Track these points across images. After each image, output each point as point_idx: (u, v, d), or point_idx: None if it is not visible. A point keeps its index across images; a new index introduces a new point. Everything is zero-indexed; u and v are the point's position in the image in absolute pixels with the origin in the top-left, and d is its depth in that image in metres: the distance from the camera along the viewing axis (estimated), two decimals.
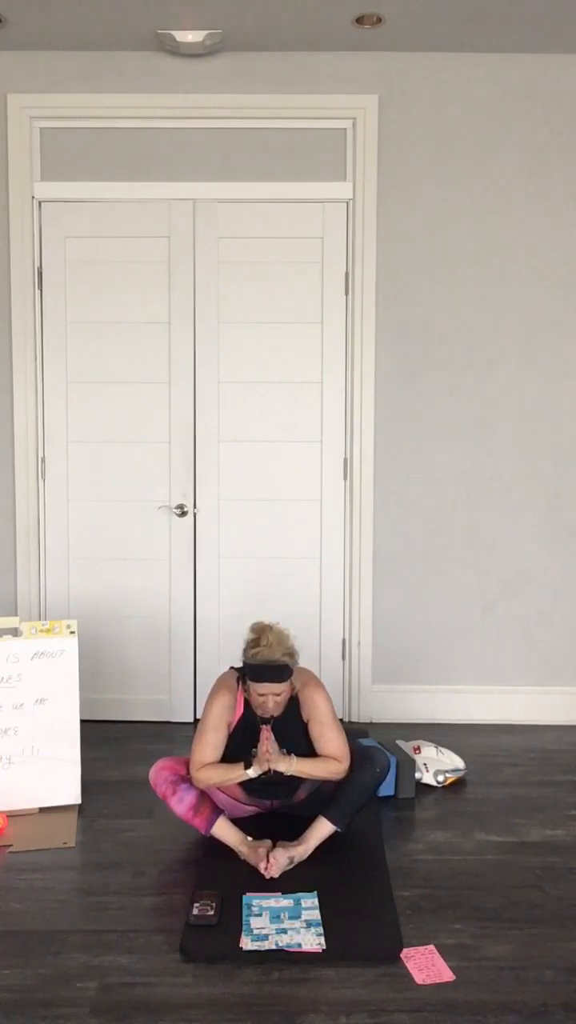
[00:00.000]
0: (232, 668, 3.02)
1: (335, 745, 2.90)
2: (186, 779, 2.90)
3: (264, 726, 2.83)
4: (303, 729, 2.94)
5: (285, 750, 2.88)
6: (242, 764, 2.83)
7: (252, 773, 2.81)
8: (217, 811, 2.87)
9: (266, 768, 2.79)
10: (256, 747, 2.85)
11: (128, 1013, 2.18)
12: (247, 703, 2.94)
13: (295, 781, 2.96)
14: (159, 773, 2.92)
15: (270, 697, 2.83)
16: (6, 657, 3.24)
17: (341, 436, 4.15)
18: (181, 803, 2.86)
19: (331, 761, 2.89)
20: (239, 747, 2.91)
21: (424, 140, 4.02)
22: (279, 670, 2.79)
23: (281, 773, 2.84)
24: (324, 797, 2.98)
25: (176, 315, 4.10)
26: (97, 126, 4.03)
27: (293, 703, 2.95)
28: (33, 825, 3.16)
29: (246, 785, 2.96)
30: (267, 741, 2.79)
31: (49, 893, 2.72)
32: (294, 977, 2.31)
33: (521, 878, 2.82)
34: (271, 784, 2.94)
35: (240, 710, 2.94)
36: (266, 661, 2.79)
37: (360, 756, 2.94)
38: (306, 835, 2.85)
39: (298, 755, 2.89)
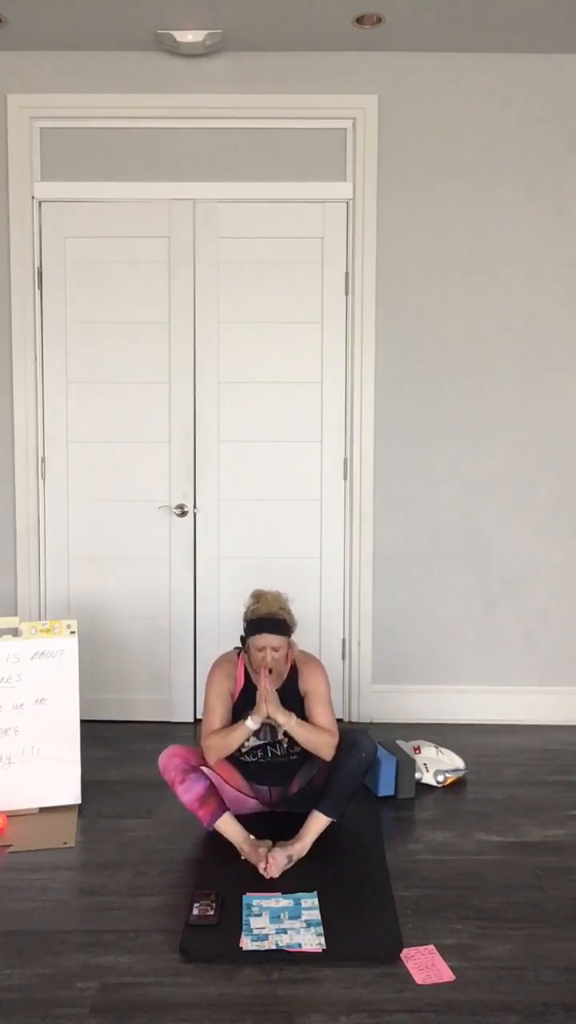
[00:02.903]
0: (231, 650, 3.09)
1: (327, 719, 2.98)
2: (196, 769, 2.92)
3: (264, 668, 2.88)
4: (300, 703, 3.01)
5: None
6: (243, 720, 2.89)
7: (252, 724, 2.86)
8: (223, 807, 2.89)
9: (264, 714, 2.84)
10: (257, 717, 2.89)
11: (128, 1013, 2.18)
12: (248, 676, 3.00)
13: (291, 765, 3.01)
14: (170, 759, 2.93)
15: (268, 651, 2.89)
16: (6, 657, 3.24)
17: (341, 436, 4.15)
18: (188, 792, 2.88)
19: (324, 732, 2.94)
20: (241, 716, 2.96)
21: (424, 140, 4.02)
22: (277, 623, 2.90)
23: (279, 747, 2.93)
24: (316, 791, 3.00)
25: (176, 315, 4.10)
26: (97, 126, 4.04)
27: (292, 675, 3.01)
28: (33, 825, 3.16)
29: (245, 771, 3.01)
30: (265, 679, 2.84)
31: (49, 893, 2.72)
32: (294, 977, 2.31)
33: (521, 878, 2.82)
34: (269, 768, 2.99)
35: (241, 681, 3.01)
36: (265, 614, 2.90)
37: (345, 743, 2.97)
38: (302, 832, 2.87)
39: None
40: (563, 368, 4.10)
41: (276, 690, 2.96)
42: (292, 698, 3.00)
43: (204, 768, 2.98)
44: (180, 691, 4.22)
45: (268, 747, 2.99)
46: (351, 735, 2.98)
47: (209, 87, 3.99)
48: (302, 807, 3.03)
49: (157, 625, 4.21)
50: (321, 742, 2.92)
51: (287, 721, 2.86)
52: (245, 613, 2.97)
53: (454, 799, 3.41)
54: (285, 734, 2.96)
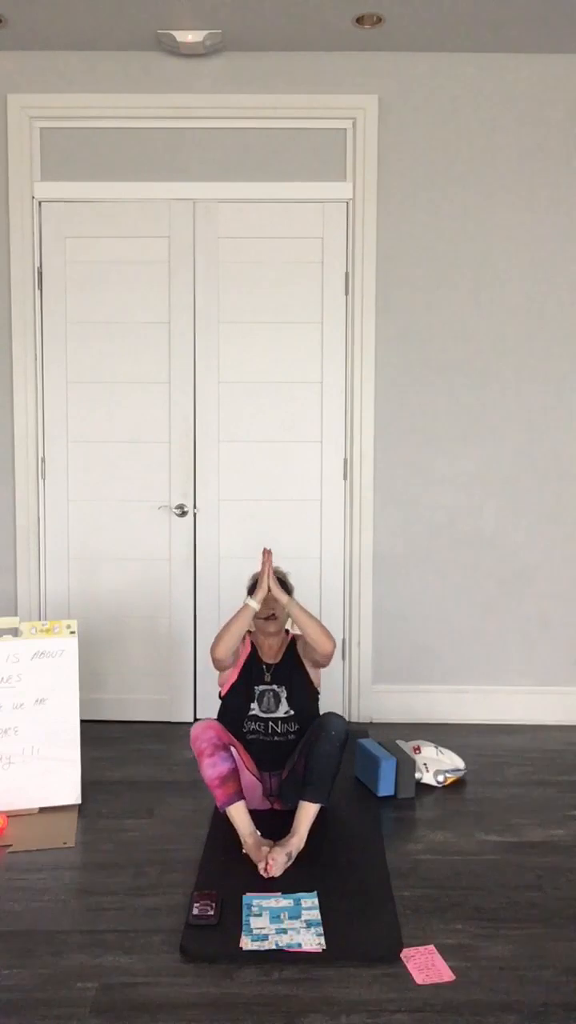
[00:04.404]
0: None
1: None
2: (227, 748, 2.97)
3: (266, 549, 3.06)
4: (301, 672, 3.14)
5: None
6: (245, 603, 3.05)
7: (254, 604, 3.03)
8: (240, 794, 2.92)
9: (266, 590, 3.02)
10: (260, 594, 3.05)
11: (128, 1013, 2.18)
12: (253, 646, 3.19)
13: (288, 747, 3.10)
14: (205, 731, 2.98)
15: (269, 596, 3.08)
16: (6, 657, 3.24)
17: (341, 436, 4.15)
18: (214, 768, 2.92)
19: (325, 629, 3.08)
20: (247, 680, 3.14)
21: (424, 140, 4.02)
22: (277, 579, 3.14)
23: (279, 724, 3.06)
24: (298, 779, 3.04)
25: (176, 315, 4.10)
26: (97, 126, 4.04)
27: (291, 645, 3.18)
28: (33, 825, 3.16)
29: (250, 747, 3.11)
30: (267, 554, 3.03)
31: (49, 893, 2.72)
32: (294, 977, 2.32)
33: (521, 878, 2.82)
34: (269, 749, 3.09)
35: (248, 648, 3.21)
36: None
37: (315, 726, 3.02)
38: (295, 825, 2.91)
39: (298, 698, 3.13)
40: (563, 368, 4.09)
41: (275, 662, 3.17)
42: (291, 666, 3.16)
43: (232, 749, 3.05)
44: (180, 691, 4.22)
45: (269, 722, 3.11)
46: (320, 720, 3.03)
47: (209, 87, 3.99)
48: (292, 800, 3.08)
49: (157, 625, 4.21)
50: (322, 631, 3.03)
51: (288, 601, 3.02)
52: (248, 586, 3.22)
53: (454, 799, 3.41)
54: (287, 701, 3.11)
